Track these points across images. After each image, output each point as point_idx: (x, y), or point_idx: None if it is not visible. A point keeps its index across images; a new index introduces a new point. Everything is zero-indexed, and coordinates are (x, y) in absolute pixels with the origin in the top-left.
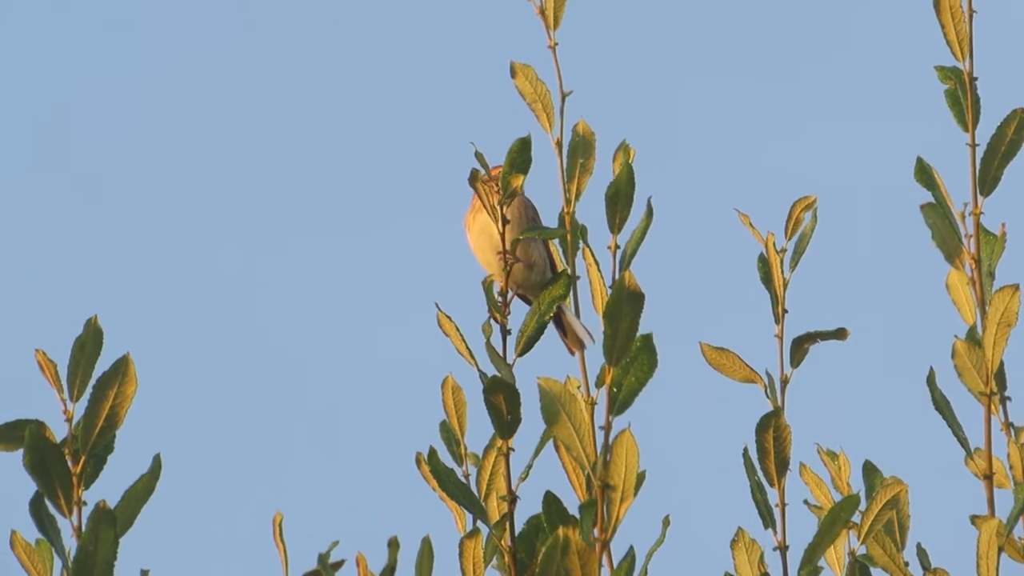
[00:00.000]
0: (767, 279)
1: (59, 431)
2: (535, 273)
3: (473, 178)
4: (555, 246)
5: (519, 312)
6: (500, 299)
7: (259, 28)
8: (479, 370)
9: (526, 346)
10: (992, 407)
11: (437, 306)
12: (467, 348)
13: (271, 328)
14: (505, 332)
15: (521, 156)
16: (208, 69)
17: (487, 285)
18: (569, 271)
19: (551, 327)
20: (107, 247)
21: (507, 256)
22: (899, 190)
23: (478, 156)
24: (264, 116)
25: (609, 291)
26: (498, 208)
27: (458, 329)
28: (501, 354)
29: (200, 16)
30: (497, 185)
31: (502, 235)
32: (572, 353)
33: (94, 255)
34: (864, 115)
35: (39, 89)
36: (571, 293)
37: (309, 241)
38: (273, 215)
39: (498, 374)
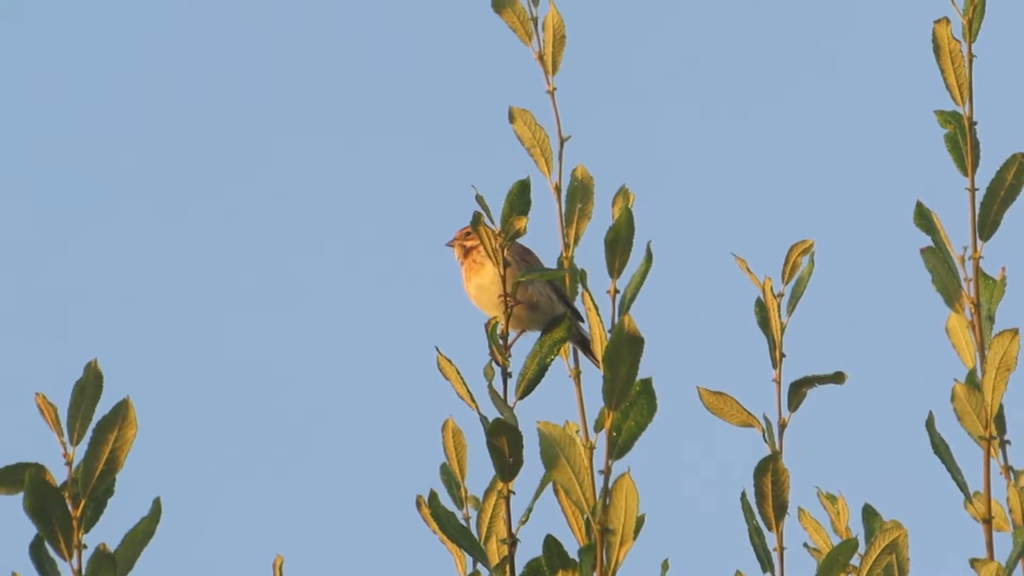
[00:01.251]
0: (764, 323)
1: (59, 475)
2: (541, 312)
3: (476, 222)
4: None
5: (519, 355)
6: (502, 341)
7: (255, 53)
8: (479, 413)
9: (527, 389)
10: (991, 451)
11: (437, 349)
12: (468, 391)
13: (272, 371)
14: (506, 375)
15: (521, 199)
16: (193, 77)
17: (490, 328)
18: (574, 306)
19: (571, 359)
20: (100, 283)
21: (507, 299)
22: (899, 233)
23: (479, 199)
24: (266, 140)
25: (608, 335)
26: (499, 251)
27: (459, 372)
28: (503, 397)
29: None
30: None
31: (503, 278)
32: (599, 367)
33: (85, 292)
34: (863, 160)
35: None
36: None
37: (307, 278)
38: (280, 256)
39: (500, 416)
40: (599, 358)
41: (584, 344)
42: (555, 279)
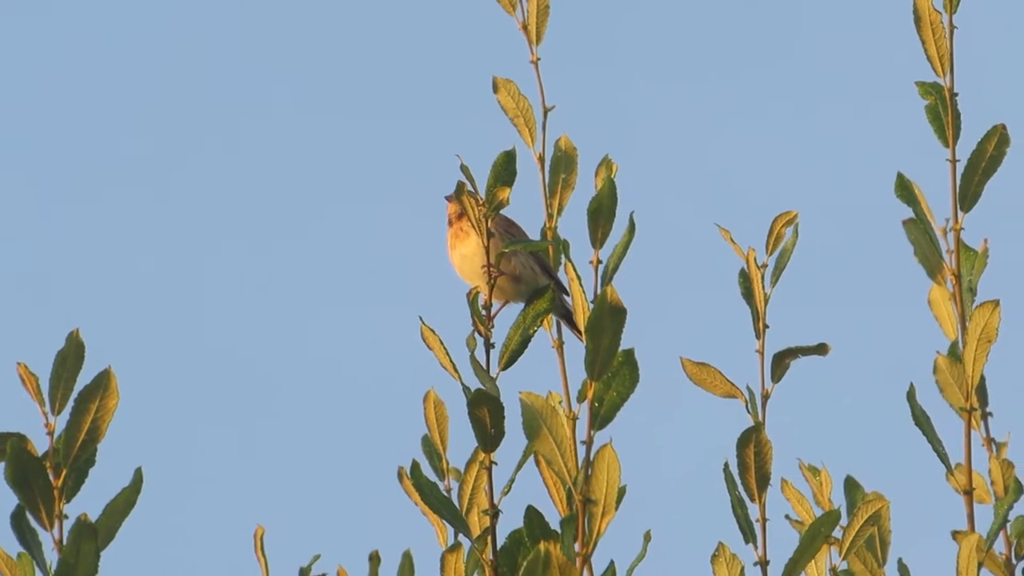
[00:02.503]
0: (748, 294)
1: (41, 444)
2: (523, 284)
3: (459, 191)
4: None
5: (502, 325)
6: (484, 312)
7: (240, 28)
8: (462, 384)
9: (509, 360)
10: (973, 422)
11: (421, 320)
12: (451, 362)
13: (254, 342)
14: (489, 346)
15: (506, 169)
16: (169, 58)
17: (472, 297)
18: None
19: (554, 330)
20: (83, 255)
21: (491, 270)
22: (880, 205)
23: (464, 169)
24: (239, 124)
25: (591, 306)
26: (483, 222)
27: (442, 343)
28: (485, 367)
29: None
30: (477, 203)
31: (486, 248)
32: (583, 340)
33: (67, 263)
34: (843, 132)
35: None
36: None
37: (293, 257)
38: (262, 232)
39: (482, 387)
40: (582, 329)
41: (568, 317)
42: (539, 251)
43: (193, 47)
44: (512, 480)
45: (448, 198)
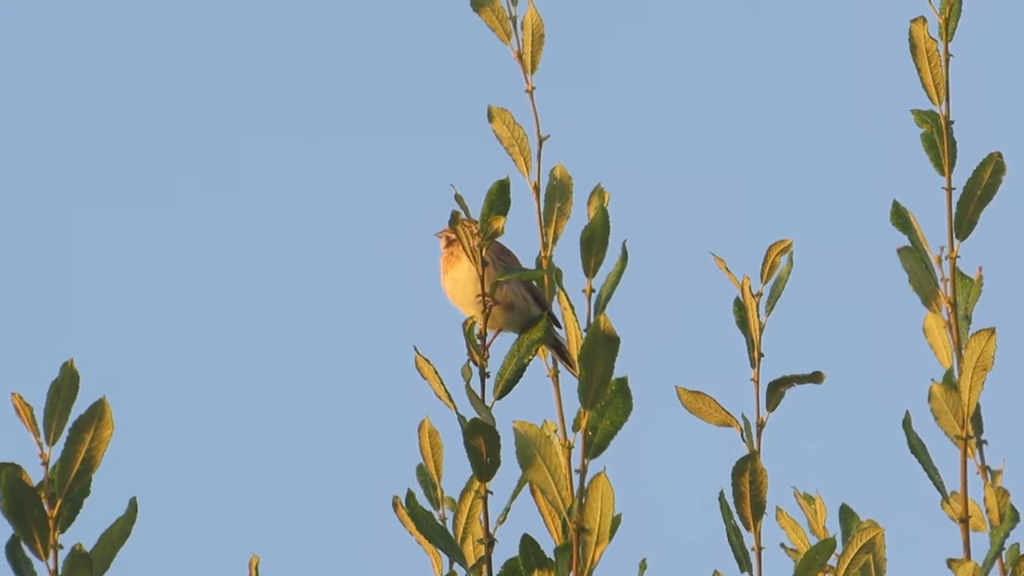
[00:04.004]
0: (743, 323)
1: (35, 474)
2: (517, 313)
3: (454, 220)
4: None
5: (497, 355)
6: (480, 341)
7: (241, 47)
8: (457, 413)
9: (504, 389)
10: (968, 451)
11: (415, 350)
12: (445, 391)
13: (250, 371)
14: (484, 375)
15: (500, 198)
16: (159, 69)
17: (468, 328)
18: (549, 311)
19: (550, 358)
20: (76, 280)
21: (486, 299)
22: (876, 233)
23: (458, 199)
24: (236, 143)
25: (584, 335)
26: (478, 251)
27: (437, 373)
28: (480, 397)
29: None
30: (471, 231)
31: (481, 278)
32: (574, 373)
33: (61, 289)
34: (839, 159)
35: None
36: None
37: (287, 281)
38: (260, 256)
39: (478, 417)
40: (575, 359)
41: (559, 349)
42: (531, 281)
43: (192, 54)
44: (507, 509)
45: (439, 234)
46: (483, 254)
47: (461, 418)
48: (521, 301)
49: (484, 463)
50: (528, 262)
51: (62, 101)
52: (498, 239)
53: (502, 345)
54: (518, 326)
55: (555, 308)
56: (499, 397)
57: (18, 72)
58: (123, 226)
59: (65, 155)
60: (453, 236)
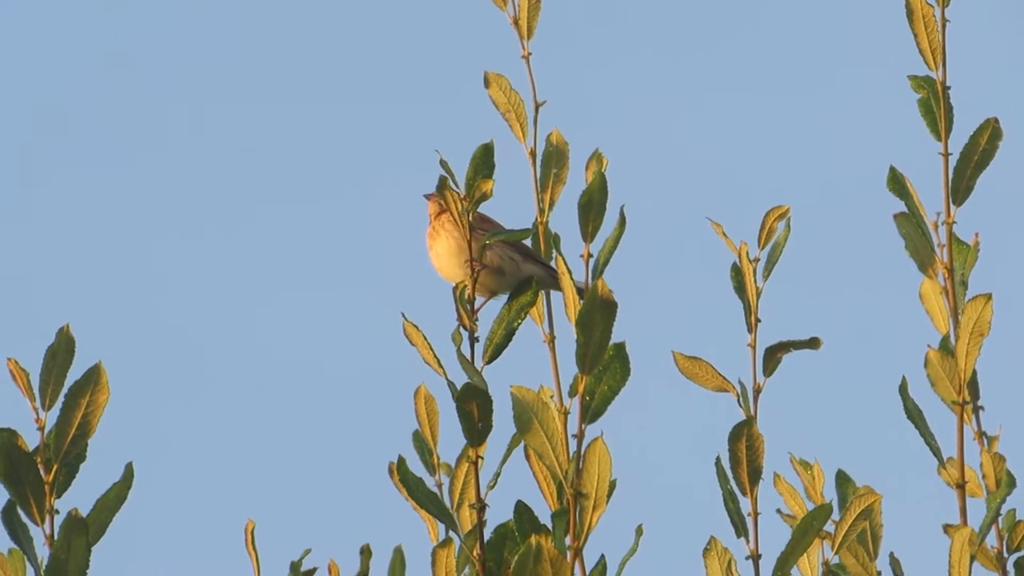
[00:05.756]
0: (740, 288)
1: (31, 440)
2: (506, 276)
3: (442, 186)
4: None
5: (486, 319)
6: (469, 306)
7: (237, 21)
8: (447, 379)
9: (494, 353)
10: (965, 416)
11: (404, 316)
12: (435, 357)
13: (245, 337)
14: (473, 340)
15: (485, 162)
16: (136, 36)
17: (458, 292)
18: (551, 264)
19: (546, 324)
20: (79, 254)
21: (474, 264)
22: (872, 198)
23: (443, 164)
24: (227, 116)
25: (582, 300)
26: (464, 216)
27: (426, 338)
28: (470, 361)
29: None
30: (459, 200)
31: (468, 243)
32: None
33: (53, 258)
34: (837, 126)
35: None
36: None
37: (284, 253)
38: (247, 229)
39: (470, 381)
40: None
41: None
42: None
43: (163, 26)
44: (498, 474)
45: (428, 196)
46: (469, 219)
47: (451, 384)
48: (509, 263)
49: (476, 428)
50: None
51: (33, 72)
52: (489, 205)
53: (491, 311)
54: (510, 287)
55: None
56: (489, 362)
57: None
58: (114, 188)
59: (45, 122)
60: (442, 204)
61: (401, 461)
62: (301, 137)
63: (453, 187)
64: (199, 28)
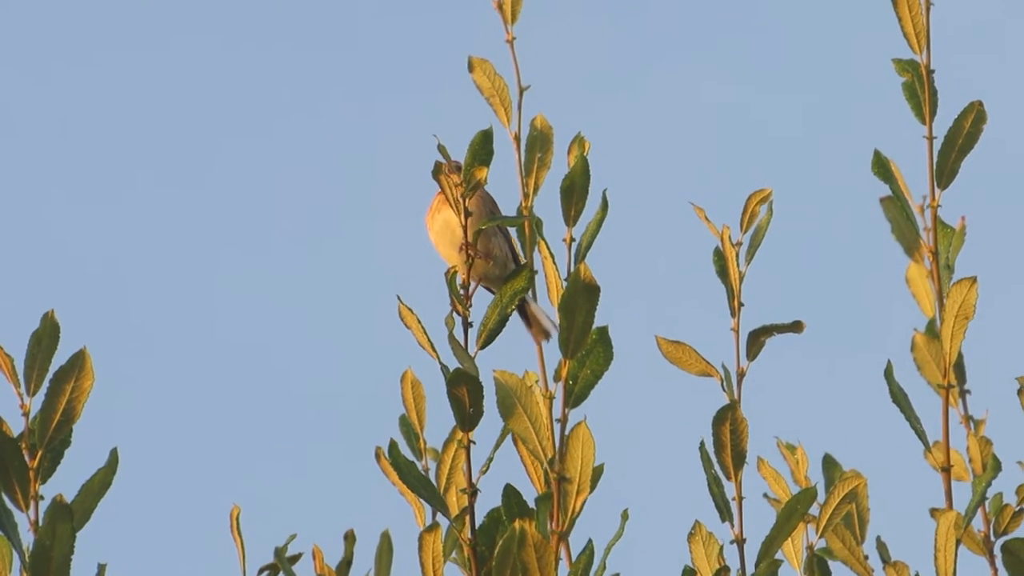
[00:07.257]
0: (723, 272)
1: (16, 425)
2: (496, 266)
3: (436, 171)
4: (515, 240)
5: (481, 305)
6: (462, 291)
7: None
8: (440, 363)
9: (487, 339)
10: (951, 400)
11: (399, 299)
12: (429, 341)
13: (228, 320)
14: (467, 325)
15: (483, 148)
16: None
17: (450, 277)
18: (530, 264)
19: (516, 318)
20: (64, 239)
21: (469, 249)
22: (857, 182)
23: (440, 148)
24: (224, 108)
25: (565, 284)
26: (461, 200)
27: (420, 322)
28: (463, 346)
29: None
30: (459, 178)
31: (464, 227)
32: (538, 343)
33: (47, 246)
34: (820, 109)
35: None
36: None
37: (267, 234)
38: (229, 210)
39: (461, 366)
40: (537, 319)
41: (523, 311)
42: (511, 239)
43: (160, 21)
44: (490, 459)
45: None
46: (465, 204)
47: (444, 368)
48: (502, 255)
49: (467, 413)
50: (509, 213)
51: (33, 66)
52: (484, 188)
53: (485, 296)
54: (497, 279)
55: (535, 258)
56: (482, 347)
57: None
58: (95, 173)
59: (41, 117)
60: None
61: (393, 445)
62: (284, 125)
63: (447, 167)
64: (195, 28)
